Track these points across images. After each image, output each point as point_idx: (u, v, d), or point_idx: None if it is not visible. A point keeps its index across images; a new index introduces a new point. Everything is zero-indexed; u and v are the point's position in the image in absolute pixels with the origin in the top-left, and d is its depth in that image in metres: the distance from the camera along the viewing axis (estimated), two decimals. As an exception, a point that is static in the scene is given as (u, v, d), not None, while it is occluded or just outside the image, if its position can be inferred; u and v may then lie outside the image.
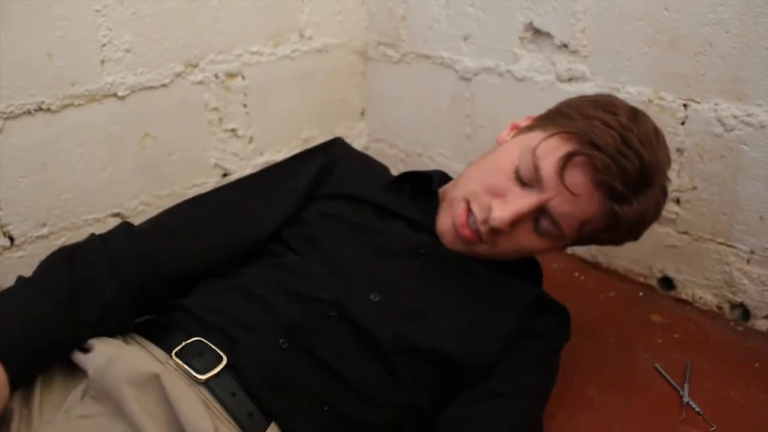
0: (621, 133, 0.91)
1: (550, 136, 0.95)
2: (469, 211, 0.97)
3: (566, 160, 0.91)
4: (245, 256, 1.01)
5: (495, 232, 0.96)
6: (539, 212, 0.95)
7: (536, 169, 0.93)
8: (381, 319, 0.89)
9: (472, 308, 0.97)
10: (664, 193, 1.00)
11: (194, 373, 0.81)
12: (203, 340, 0.85)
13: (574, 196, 0.92)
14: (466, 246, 0.99)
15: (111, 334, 0.88)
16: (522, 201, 0.93)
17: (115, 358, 0.80)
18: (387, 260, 0.96)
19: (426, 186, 1.09)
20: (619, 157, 0.90)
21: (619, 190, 0.91)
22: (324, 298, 0.89)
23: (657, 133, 0.99)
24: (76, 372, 0.84)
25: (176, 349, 0.84)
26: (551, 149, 0.93)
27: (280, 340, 0.85)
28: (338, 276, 0.93)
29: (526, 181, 0.94)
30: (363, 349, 0.88)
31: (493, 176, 0.97)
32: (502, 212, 0.93)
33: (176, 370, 0.82)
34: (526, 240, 0.97)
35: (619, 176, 0.90)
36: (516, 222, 0.94)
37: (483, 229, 0.96)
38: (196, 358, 0.83)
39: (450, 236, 1.00)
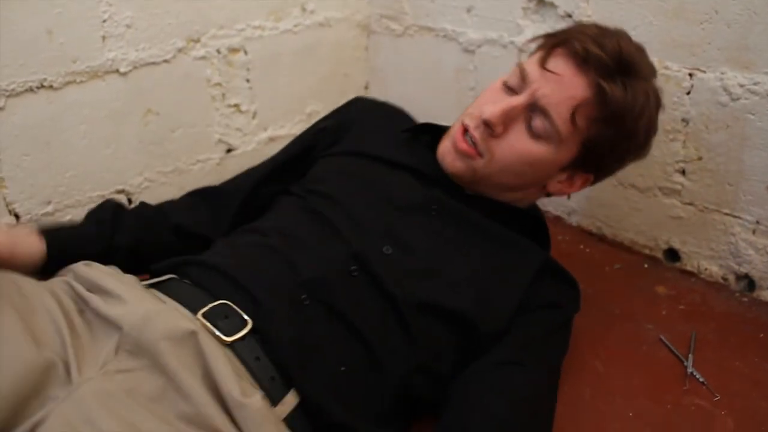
0: (599, 30, 0.97)
1: (535, 51, 1.02)
2: (466, 130, 1.01)
3: (547, 52, 0.96)
4: (254, 209, 1.10)
5: (488, 132, 0.97)
6: (530, 112, 0.96)
7: (521, 71, 0.97)
8: (394, 272, 0.91)
9: (485, 268, 0.98)
10: (656, 96, 1.01)
11: (220, 335, 0.82)
12: (228, 302, 0.86)
13: (558, 77, 0.94)
14: (465, 164, 1.01)
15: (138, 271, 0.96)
16: (511, 100, 0.97)
17: (152, 315, 0.81)
18: (400, 215, 0.98)
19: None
20: (598, 40, 0.94)
21: (602, 63, 0.92)
22: (344, 252, 0.91)
23: (640, 47, 1.01)
24: (103, 326, 0.84)
25: (203, 311, 0.85)
26: (535, 56, 1.00)
27: (302, 296, 0.88)
28: (356, 230, 0.95)
29: (515, 88, 0.98)
30: (379, 305, 0.90)
31: (484, 95, 1.03)
32: (492, 108, 0.96)
33: (202, 327, 0.83)
34: (522, 144, 0.97)
35: (599, 52, 0.92)
36: (507, 118, 0.96)
37: (477, 134, 0.98)
38: (222, 320, 0.84)
39: (449, 156, 1.02)
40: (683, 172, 1.29)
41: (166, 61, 1.40)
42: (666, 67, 1.25)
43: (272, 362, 0.83)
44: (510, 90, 0.99)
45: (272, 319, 0.85)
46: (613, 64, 0.93)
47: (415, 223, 0.98)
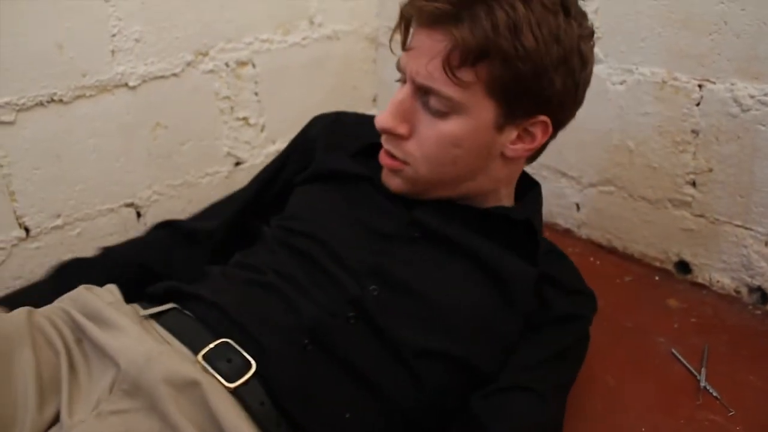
0: None
1: None
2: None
3: (403, 35, 0.91)
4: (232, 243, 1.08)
5: (397, 138, 0.91)
6: (422, 97, 0.89)
7: (397, 66, 0.92)
8: (389, 317, 0.87)
9: (479, 299, 0.92)
10: (533, 2, 0.84)
11: (223, 381, 0.78)
12: (231, 342, 0.82)
13: (416, 49, 0.87)
14: (400, 178, 0.94)
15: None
16: (395, 96, 0.91)
17: (154, 355, 0.77)
18: (383, 247, 0.93)
19: None
20: None
21: (440, 12, 0.83)
22: (339, 299, 0.87)
23: None
24: (100, 359, 0.81)
25: (204, 352, 0.81)
26: None
27: (305, 341, 0.84)
28: (344, 273, 0.90)
29: (402, 79, 0.92)
30: (380, 351, 0.86)
31: None
32: (381, 114, 0.91)
33: (204, 373, 0.79)
34: (432, 130, 0.89)
35: (429, 3, 0.84)
36: (401, 115, 0.90)
37: (389, 146, 0.93)
38: (225, 363, 0.80)
39: (386, 178, 0.96)
40: (694, 184, 1.28)
41: (174, 74, 1.41)
42: (675, 79, 1.24)
43: (276, 408, 0.80)
44: (404, 84, 0.93)
45: (276, 363, 0.82)
46: (450, 6, 0.83)
47: (401, 253, 0.92)
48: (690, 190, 1.29)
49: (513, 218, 0.97)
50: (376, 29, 1.75)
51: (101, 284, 0.94)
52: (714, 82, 1.20)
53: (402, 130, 0.90)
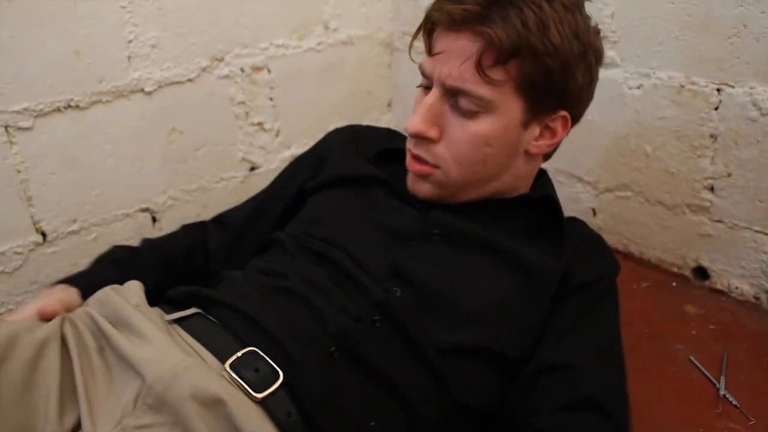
0: None
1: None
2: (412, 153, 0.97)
3: (426, 40, 0.93)
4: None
5: (427, 142, 0.93)
6: (451, 98, 0.91)
7: (421, 70, 0.94)
8: (414, 318, 0.86)
9: (501, 292, 0.92)
10: (555, 1, 0.88)
11: (251, 391, 0.78)
12: (258, 351, 0.82)
13: (445, 53, 0.89)
14: (430, 183, 0.96)
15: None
16: (425, 100, 0.92)
17: (180, 371, 0.76)
18: (401, 247, 0.93)
19: None
20: None
21: (469, 13, 0.86)
22: (365, 303, 0.87)
23: None
24: (123, 370, 0.80)
25: (231, 360, 0.80)
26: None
27: (332, 348, 0.83)
28: (366, 277, 0.90)
29: (427, 85, 0.94)
30: (406, 354, 0.85)
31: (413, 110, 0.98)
32: (412, 118, 0.92)
33: (230, 383, 0.78)
34: (464, 130, 0.91)
35: (458, 6, 0.86)
36: (432, 118, 0.91)
37: (419, 151, 0.94)
38: (252, 373, 0.79)
39: (415, 184, 0.97)
40: (712, 189, 1.27)
41: (190, 80, 1.41)
42: (693, 83, 1.23)
43: (302, 418, 0.79)
44: (427, 90, 0.94)
45: (303, 372, 0.81)
46: (478, 7, 0.86)
47: (419, 253, 0.93)
48: (708, 195, 1.27)
49: (531, 198, 0.99)
50: (391, 34, 1.75)
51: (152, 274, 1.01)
52: (733, 86, 1.18)
53: (433, 133, 0.92)
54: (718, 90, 1.21)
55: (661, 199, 1.35)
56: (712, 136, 1.23)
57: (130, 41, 1.31)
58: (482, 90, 0.88)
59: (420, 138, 0.93)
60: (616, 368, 0.91)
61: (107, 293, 0.89)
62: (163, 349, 0.80)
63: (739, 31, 1.15)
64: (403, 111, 1.81)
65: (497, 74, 0.87)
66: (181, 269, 1.12)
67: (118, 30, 1.29)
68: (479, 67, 0.86)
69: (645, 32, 1.27)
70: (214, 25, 1.42)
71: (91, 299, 0.90)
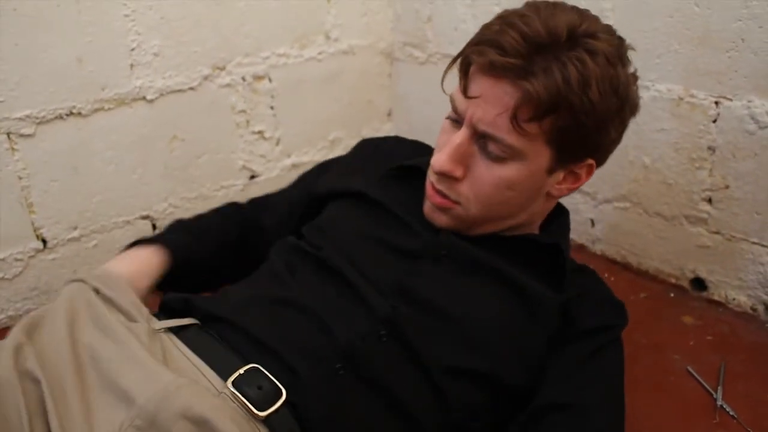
0: (503, 19, 0.86)
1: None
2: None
3: (462, 77, 0.89)
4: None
5: (451, 180, 0.92)
6: (481, 139, 0.89)
7: (452, 103, 0.92)
8: (419, 335, 0.86)
9: (505, 319, 0.91)
10: (603, 49, 0.86)
11: (254, 409, 0.76)
12: (261, 368, 0.81)
13: (481, 98, 0.86)
14: (449, 216, 0.95)
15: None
16: (453, 139, 0.91)
17: (172, 390, 0.75)
18: (409, 265, 0.93)
19: None
20: (498, 40, 0.84)
21: (510, 65, 0.83)
22: (371, 317, 0.86)
23: (555, 6, 0.88)
24: (102, 393, 0.78)
25: (233, 378, 0.79)
26: (459, 83, 0.92)
27: (338, 365, 0.82)
28: (375, 291, 0.89)
29: (456, 119, 0.92)
30: (410, 371, 0.85)
31: (438, 139, 0.96)
32: (439, 156, 0.91)
33: (233, 401, 0.77)
34: (489, 174, 0.90)
35: (502, 57, 0.83)
36: (458, 158, 0.90)
37: (442, 187, 0.93)
38: (255, 391, 0.78)
39: (433, 214, 0.96)
40: (710, 201, 1.28)
41: (192, 88, 1.42)
42: (692, 96, 1.24)
43: None
44: (456, 123, 0.93)
45: (308, 391, 0.80)
46: (522, 59, 0.83)
47: (426, 272, 0.92)
48: (706, 206, 1.28)
49: (540, 242, 0.98)
50: (392, 44, 1.76)
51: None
52: (731, 99, 1.19)
53: (458, 173, 0.91)
54: (717, 103, 1.21)
55: (659, 210, 1.36)
56: (710, 148, 1.24)
57: (132, 49, 1.31)
58: (513, 139, 0.86)
59: (444, 175, 0.92)
60: (618, 415, 0.92)
61: (93, 302, 0.87)
62: (151, 369, 0.78)
63: (738, 45, 1.16)
64: (404, 120, 1.81)
65: (532, 128, 0.86)
66: (235, 251, 1.13)
67: (120, 38, 1.29)
68: (515, 119, 0.85)
69: (644, 45, 1.28)
70: (216, 33, 1.42)
71: (81, 310, 0.87)
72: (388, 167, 1.07)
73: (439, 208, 0.95)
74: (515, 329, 0.91)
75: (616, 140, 0.95)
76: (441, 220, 0.96)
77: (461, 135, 0.90)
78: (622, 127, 0.93)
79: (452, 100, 0.92)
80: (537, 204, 0.97)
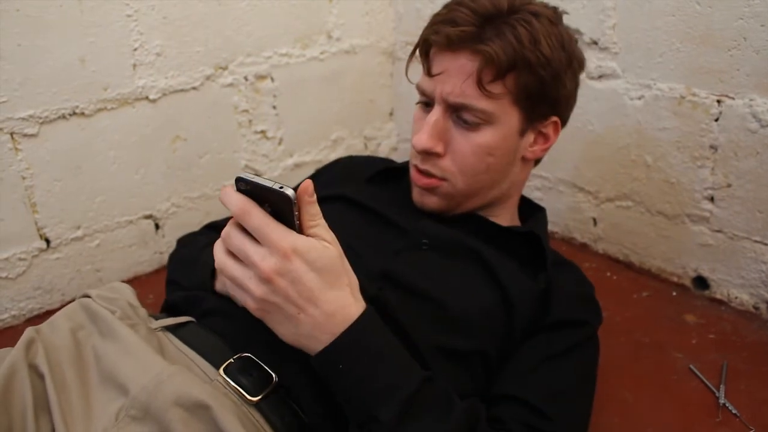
0: (451, 4, 0.96)
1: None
2: (418, 168, 1.01)
3: (424, 61, 0.97)
4: None
5: (434, 157, 0.97)
6: (454, 112, 0.96)
7: (420, 90, 0.99)
8: (408, 314, 0.87)
9: (483, 299, 0.93)
10: (543, 12, 0.96)
11: (246, 394, 0.78)
12: (251, 356, 0.82)
13: (445, 73, 0.94)
14: (437, 195, 1.00)
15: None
16: (429, 117, 0.97)
17: (164, 378, 0.76)
18: (393, 257, 0.95)
19: None
20: (450, 17, 0.93)
21: (466, 35, 0.91)
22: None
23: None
24: (101, 386, 0.80)
25: (224, 366, 0.81)
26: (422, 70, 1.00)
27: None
28: (361, 272, 0.87)
29: (427, 101, 0.99)
30: None
31: (413, 126, 1.03)
32: (419, 135, 0.97)
33: (225, 388, 0.79)
34: (468, 143, 0.96)
35: (455, 29, 0.92)
36: (437, 134, 0.96)
37: (427, 166, 0.98)
38: (246, 377, 0.80)
39: (422, 197, 1.02)
40: (712, 199, 1.28)
41: (194, 88, 1.42)
42: (693, 94, 1.24)
43: (298, 421, 0.80)
44: (427, 106, 1.00)
45: (299, 374, 0.81)
46: (474, 28, 0.92)
47: (408, 260, 0.95)
48: (708, 205, 1.28)
49: (518, 231, 1.03)
50: (393, 44, 1.76)
51: None
52: (733, 98, 1.19)
53: (439, 148, 0.97)
54: (719, 101, 1.22)
55: (661, 209, 1.36)
56: (712, 147, 1.24)
57: (135, 49, 1.32)
58: (483, 104, 0.93)
59: (427, 154, 0.97)
60: (579, 414, 0.92)
61: (90, 304, 0.88)
62: (145, 359, 0.79)
63: (740, 44, 1.16)
64: (405, 120, 1.82)
65: (496, 88, 0.93)
66: None
67: (123, 38, 1.30)
68: (480, 83, 0.92)
69: (646, 44, 1.28)
70: (219, 33, 1.43)
71: (79, 310, 0.89)
72: (364, 176, 1.13)
73: (427, 189, 1.00)
74: (497, 310, 0.93)
75: (573, 94, 1.03)
76: (431, 202, 1.01)
77: (435, 112, 0.96)
78: (575, 80, 1.02)
79: (419, 87, 1.00)
80: (515, 171, 1.03)
